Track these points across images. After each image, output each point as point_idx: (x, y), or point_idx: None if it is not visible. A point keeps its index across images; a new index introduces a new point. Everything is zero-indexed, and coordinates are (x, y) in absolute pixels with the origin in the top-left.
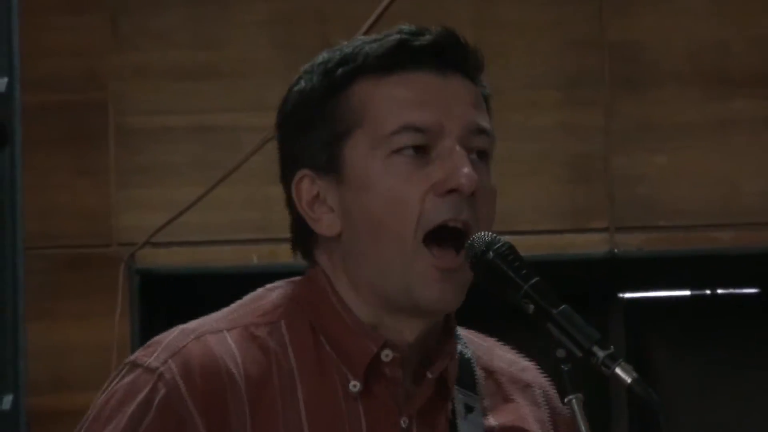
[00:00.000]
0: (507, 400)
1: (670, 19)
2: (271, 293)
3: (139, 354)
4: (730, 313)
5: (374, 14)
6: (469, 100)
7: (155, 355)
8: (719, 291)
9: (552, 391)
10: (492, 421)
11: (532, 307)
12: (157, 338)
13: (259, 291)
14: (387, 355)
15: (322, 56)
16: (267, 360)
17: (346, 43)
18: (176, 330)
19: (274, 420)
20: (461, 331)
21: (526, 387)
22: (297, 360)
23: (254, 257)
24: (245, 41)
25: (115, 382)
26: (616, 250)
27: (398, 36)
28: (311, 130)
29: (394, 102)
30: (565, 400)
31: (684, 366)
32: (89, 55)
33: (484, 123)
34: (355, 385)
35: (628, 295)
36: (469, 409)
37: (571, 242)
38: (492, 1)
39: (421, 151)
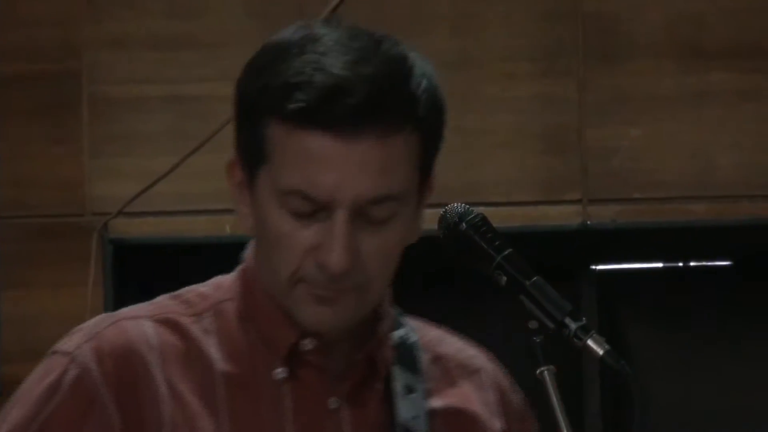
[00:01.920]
0: (453, 384)
1: None
2: (201, 286)
3: (61, 342)
4: (703, 286)
5: None
6: (374, 167)
7: (73, 340)
8: (692, 263)
9: (503, 379)
10: (435, 403)
11: (504, 278)
12: (80, 325)
13: (192, 286)
14: (309, 343)
15: (268, 55)
16: (186, 346)
17: (299, 28)
18: (98, 317)
19: (191, 406)
20: (411, 321)
21: (473, 372)
22: (221, 347)
23: (227, 227)
24: (221, 11)
25: (36, 369)
26: (589, 222)
27: (320, 91)
28: (241, 125)
29: (293, 162)
30: (537, 372)
31: (657, 338)
32: (64, 24)
33: (388, 190)
34: (280, 372)
35: (600, 267)
36: (409, 390)
37: (545, 214)
38: None
39: (307, 215)
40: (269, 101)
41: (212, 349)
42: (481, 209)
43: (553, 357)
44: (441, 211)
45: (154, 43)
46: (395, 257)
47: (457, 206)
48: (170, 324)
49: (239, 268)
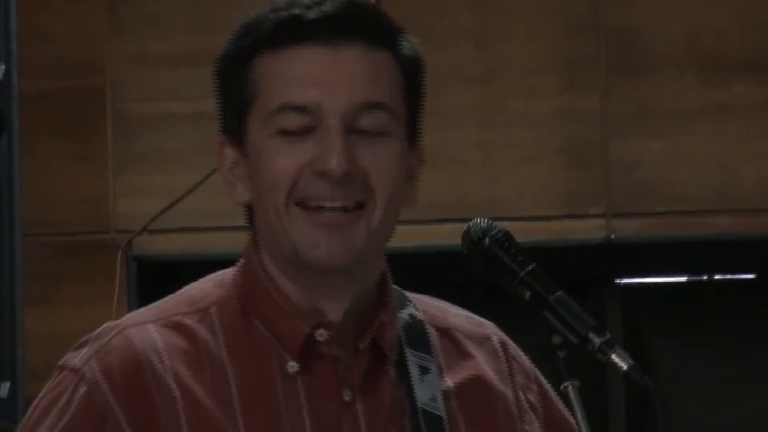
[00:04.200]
0: (465, 356)
1: (667, 4)
2: (203, 283)
3: (68, 356)
4: (727, 299)
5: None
6: (362, 74)
7: (81, 355)
8: (716, 277)
9: (511, 345)
10: (449, 381)
11: (528, 293)
12: (85, 337)
13: (194, 283)
14: (321, 334)
15: (244, 21)
16: (195, 349)
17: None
18: (102, 327)
19: (207, 408)
20: (411, 295)
21: (483, 339)
22: (228, 345)
23: None
24: None
25: (45, 387)
26: (613, 236)
27: (293, 9)
28: (225, 99)
29: (280, 79)
30: (562, 386)
31: (681, 352)
32: (88, 41)
33: (378, 97)
34: (293, 366)
35: (625, 281)
36: (424, 370)
37: (569, 228)
38: None
39: (304, 131)
40: (251, 40)
41: (221, 348)
42: (504, 224)
43: (578, 371)
44: (464, 226)
45: (177, 60)
46: (394, 181)
47: (481, 221)
48: (176, 327)
49: (239, 263)
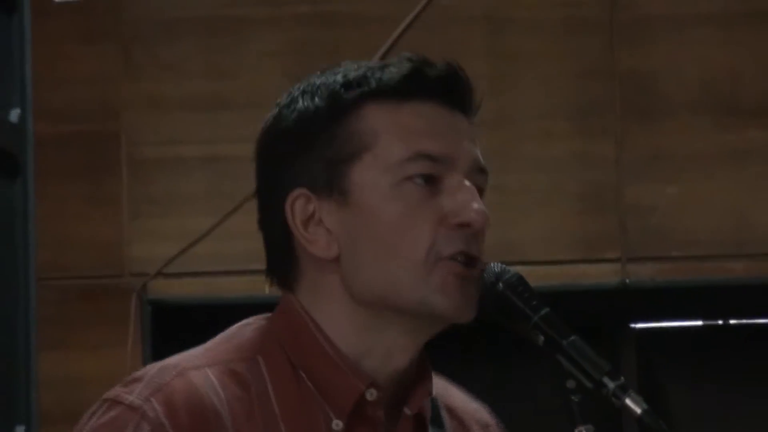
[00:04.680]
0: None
1: (681, 49)
2: (246, 329)
3: (119, 391)
4: (742, 344)
5: (386, 44)
6: (471, 137)
7: (137, 392)
8: (732, 321)
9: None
10: None
11: (542, 338)
12: (136, 374)
13: (233, 328)
14: (372, 394)
15: (319, 79)
16: (248, 396)
17: (335, 68)
18: (156, 366)
19: None
20: None
21: (485, 426)
22: (277, 396)
23: (266, 288)
24: (257, 71)
25: (94, 419)
26: (628, 281)
27: (411, 65)
28: (311, 150)
29: (408, 130)
30: (575, 431)
31: (696, 396)
32: (102, 85)
33: (483, 162)
34: (338, 424)
35: (640, 325)
36: None
37: (584, 272)
38: (504, 31)
39: (431, 181)
40: (359, 93)
41: (270, 398)
42: (519, 268)
43: (592, 416)
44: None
45: (191, 104)
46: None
47: (494, 266)
48: (231, 374)
49: (276, 313)
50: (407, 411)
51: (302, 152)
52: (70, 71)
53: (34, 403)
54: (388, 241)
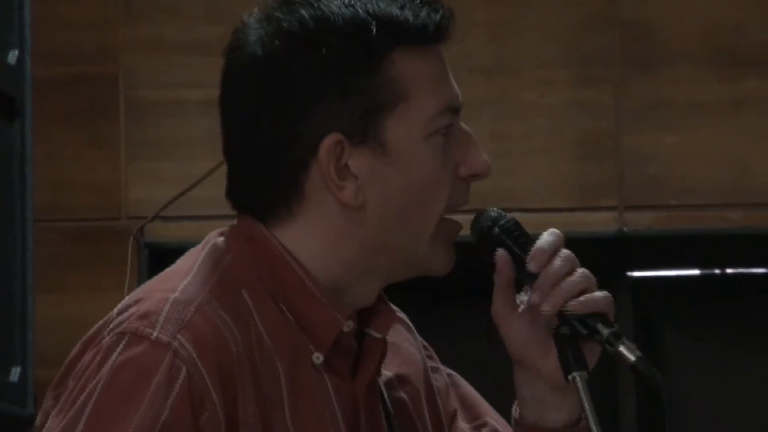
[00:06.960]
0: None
1: None
2: (225, 257)
3: (136, 324)
4: (739, 293)
5: None
6: None
7: (159, 326)
8: (729, 271)
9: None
10: (387, 372)
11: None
12: (143, 307)
13: (210, 252)
14: (348, 326)
15: (337, 8)
16: (248, 332)
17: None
18: (158, 297)
19: (267, 396)
20: None
21: (406, 325)
22: (268, 332)
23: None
24: None
25: (114, 354)
26: (625, 229)
27: (426, 8)
28: (347, 95)
29: (435, 80)
30: (569, 377)
31: (692, 345)
32: (101, 27)
33: None
34: (318, 357)
35: (636, 273)
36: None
37: (581, 220)
38: None
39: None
40: (389, 35)
41: (262, 333)
42: (516, 215)
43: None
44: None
45: (191, 47)
46: None
47: (491, 211)
48: (233, 310)
49: (238, 239)
50: (376, 334)
51: (336, 97)
52: (69, 13)
53: (30, 345)
54: (422, 193)
